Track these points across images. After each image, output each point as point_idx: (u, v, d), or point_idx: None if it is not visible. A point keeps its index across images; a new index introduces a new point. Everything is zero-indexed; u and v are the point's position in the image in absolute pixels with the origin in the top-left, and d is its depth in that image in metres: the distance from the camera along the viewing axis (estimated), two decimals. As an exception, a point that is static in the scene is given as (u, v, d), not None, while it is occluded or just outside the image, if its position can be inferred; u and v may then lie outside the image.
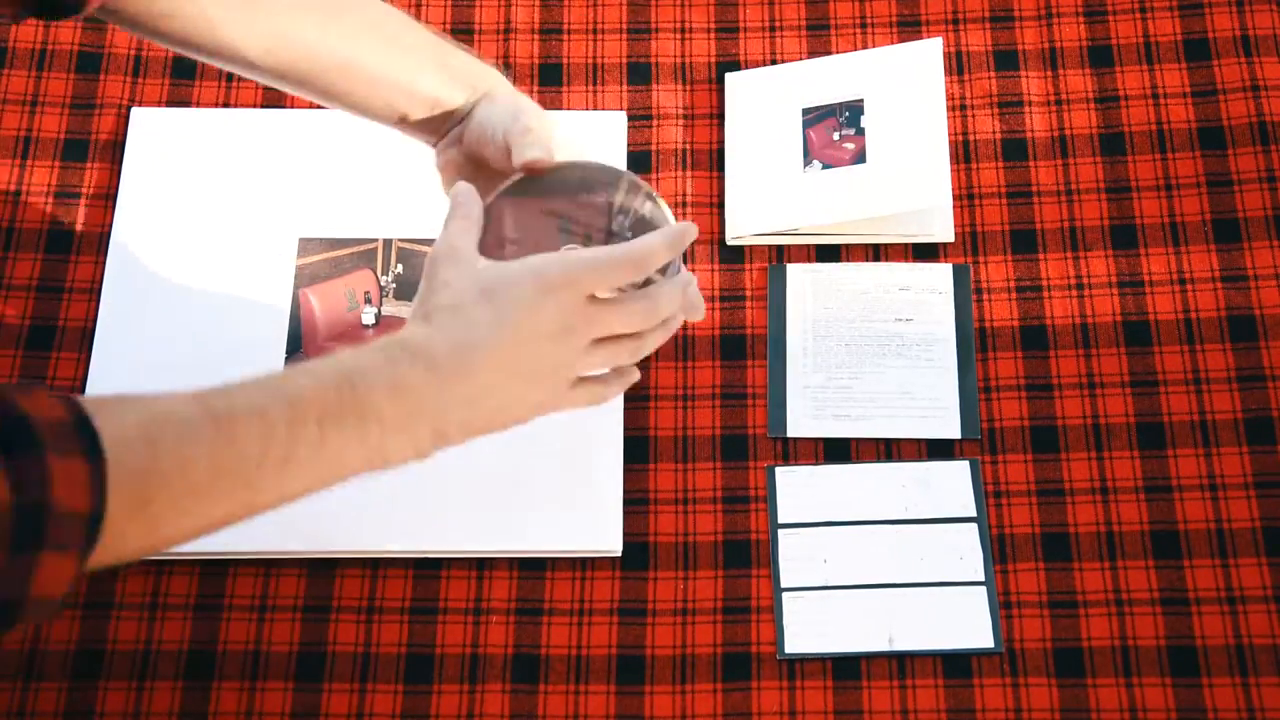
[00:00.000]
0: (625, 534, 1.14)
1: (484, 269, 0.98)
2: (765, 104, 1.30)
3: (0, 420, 0.80)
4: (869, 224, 1.24)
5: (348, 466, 0.93)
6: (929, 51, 1.30)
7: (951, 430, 1.17)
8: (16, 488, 0.79)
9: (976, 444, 1.16)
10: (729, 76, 1.31)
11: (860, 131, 1.28)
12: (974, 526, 1.13)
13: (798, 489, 1.15)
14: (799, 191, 1.26)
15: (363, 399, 0.92)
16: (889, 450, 1.16)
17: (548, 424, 1.17)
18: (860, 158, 1.27)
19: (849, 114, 1.28)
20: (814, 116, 1.29)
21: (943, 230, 1.24)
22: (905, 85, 1.29)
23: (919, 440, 1.17)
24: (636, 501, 1.15)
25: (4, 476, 0.78)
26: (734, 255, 1.25)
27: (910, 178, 1.24)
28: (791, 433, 1.17)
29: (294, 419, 0.90)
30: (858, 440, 1.17)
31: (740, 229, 1.25)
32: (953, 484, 1.15)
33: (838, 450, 1.17)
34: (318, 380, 0.92)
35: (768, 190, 1.26)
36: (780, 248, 1.24)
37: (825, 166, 1.27)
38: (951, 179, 1.26)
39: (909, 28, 1.34)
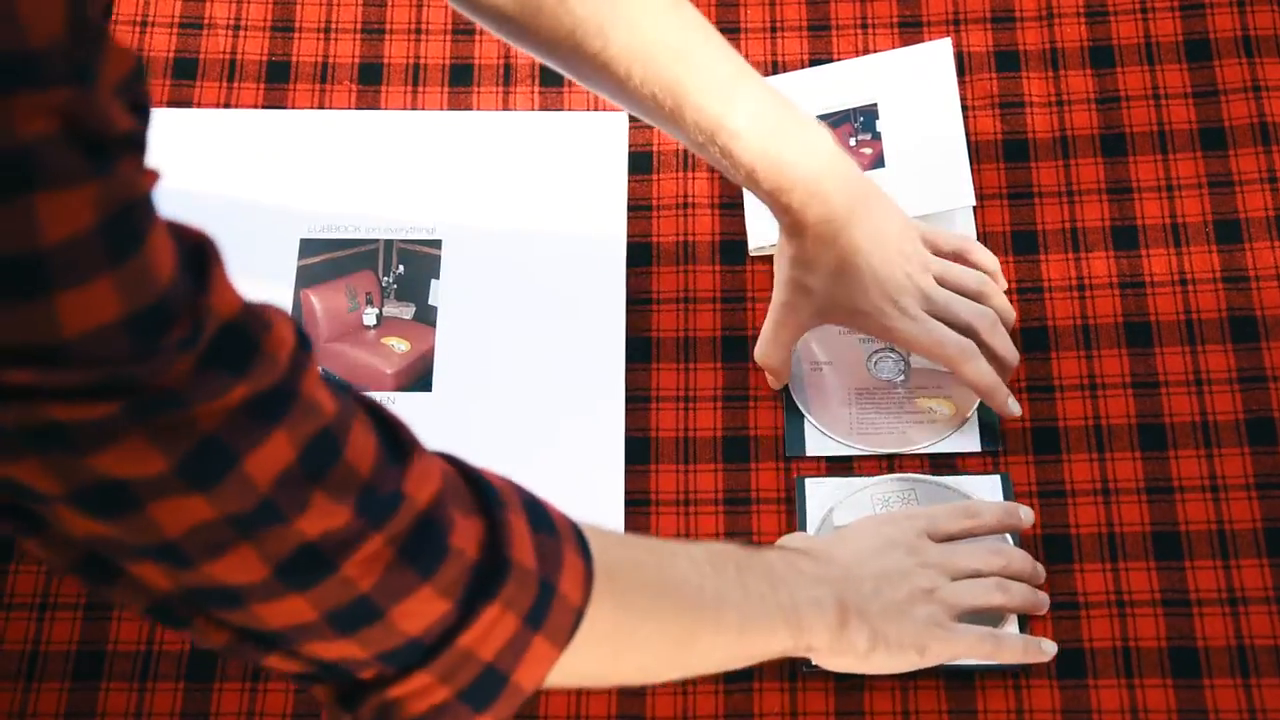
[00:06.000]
0: (626, 535, 1.14)
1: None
2: None
3: (537, 511, 0.82)
4: None
5: (769, 623, 0.95)
6: (939, 52, 1.29)
7: (971, 444, 1.16)
8: (540, 561, 0.79)
9: (986, 454, 1.16)
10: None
11: (876, 136, 1.27)
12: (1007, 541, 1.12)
13: (826, 500, 1.14)
14: None
15: (764, 559, 0.97)
16: (890, 463, 1.16)
17: (548, 424, 1.17)
18: (879, 162, 1.27)
19: (863, 119, 1.28)
20: (828, 123, 1.28)
21: (964, 228, 1.24)
22: (918, 87, 1.28)
23: (941, 454, 1.16)
24: (638, 503, 1.15)
25: (533, 546, 0.79)
26: (735, 255, 1.25)
27: (933, 180, 1.24)
28: (811, 451, 1.16)
29: (714, 560, 0.93)
30: (879, 456, 1.16)
31: (762, 239, 1.24)
32: (982, 498, 1.14)
33: (842, 461, 1.16)
34: (726, 545, 0.96)
35: None
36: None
37: None
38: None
39: (910, 28, 1.34)
